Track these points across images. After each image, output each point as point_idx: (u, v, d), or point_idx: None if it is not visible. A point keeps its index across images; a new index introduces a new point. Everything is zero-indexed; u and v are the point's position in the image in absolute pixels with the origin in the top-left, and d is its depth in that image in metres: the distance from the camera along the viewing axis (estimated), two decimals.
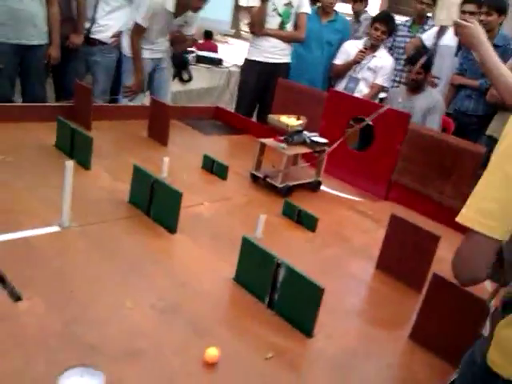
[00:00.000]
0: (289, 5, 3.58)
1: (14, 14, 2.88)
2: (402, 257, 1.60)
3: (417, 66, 3.29)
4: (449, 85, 3.77)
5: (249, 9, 3.66)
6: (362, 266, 1.70)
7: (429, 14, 4.39)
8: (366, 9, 4.86)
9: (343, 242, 1.83)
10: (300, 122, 2.13)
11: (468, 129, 3.61)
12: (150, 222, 1.63)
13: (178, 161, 2.19)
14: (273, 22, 3.60)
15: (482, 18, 3.52)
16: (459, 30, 1.75)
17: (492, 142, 3.06)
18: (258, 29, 3.63)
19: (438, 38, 3.95)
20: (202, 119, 3.03)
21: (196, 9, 3.28)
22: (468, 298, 1.21)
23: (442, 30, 3.99)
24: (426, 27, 4.17)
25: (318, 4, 3.93)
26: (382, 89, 3.72)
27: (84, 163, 1.91)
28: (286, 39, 3.68)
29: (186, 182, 2.01)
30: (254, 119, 3.77)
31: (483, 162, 2.10)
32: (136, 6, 3.31)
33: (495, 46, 3.60)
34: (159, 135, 2.40)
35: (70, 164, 1.44)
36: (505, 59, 3.59)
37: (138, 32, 3.30)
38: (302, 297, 1.24)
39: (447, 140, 2.18)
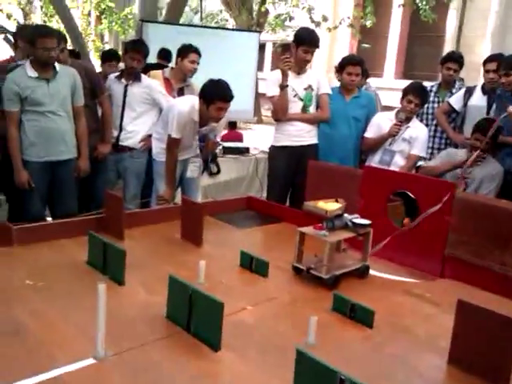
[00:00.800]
0: (309, 88, 3.62)
1: (44, 133, 2.97)
2: (478, 348, 1.40)
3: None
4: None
5: (270, 98, 3.71)
6: (431, 363, 1.49)
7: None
8: (367, 81, 4.94)
9: (405, 335, 1.64)
10: (339, 205, 2.01)
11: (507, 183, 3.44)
12: (191, 339, 1.49)
13: (214, 261, 2.07)
14: (295, 107, 3.63)
15: (503, 80, 3.46)
16: None
17: None
18: (281, 115, 3.66)
19: (467, 100, 3.89)
20: (235, 211, 2.95)
21: (217, 120, 3.30)
22: None
23: (469, 91, 3.94)
24: (454, 90, 4.14)
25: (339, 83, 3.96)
26: (420, 159, 3.63)
27: (117, 279, 1.82)
28: (311, 121, 3.69)
29: (224, 285, 1.89)
30: (287, 205, 3.70)
31: None
32: (165, 113, 3.39)
33: None
34: (193, 236, 2.31)
35: (102, 288, 1.34)
36: None
37: (174, 145, 3.33)
38: None
39: (499, 205, 2.02)
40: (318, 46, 3.64)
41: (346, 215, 2.05)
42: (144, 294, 1.78)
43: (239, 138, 5.71)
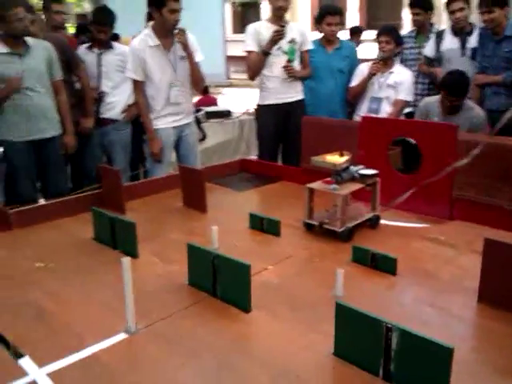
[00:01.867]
0: (292, 42, 3.52)
1: (24, 112, 2.83)
2: (506, 284, 1.41)
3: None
4: (473, 86, 3.63)
5: (247, 52, 3.61)
6: (461, 303, 1.49)
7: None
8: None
9: (430, 280, 1.64)
10: (345, 157, 1.98)
11: (506, 125, 3.44)
12: (219, 304, 1.46)
13: (222, 226, 2.02)
14: (279, 61, 3.53)
15: (485, 17, 3.43)
16: None
17: None
18: (254, 75, 3.60)
19: (439, 44, 3.86)
20: (230, 175, 2.89)
21: (174, 24, 3.09)
22: None
23: (439, 35, 3.91)
24: (431, 35, 4.09)
25: (320, 35, 3.86)
26: (406, 103, 3.60)
27: (131, 252, 1.76)
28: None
29: (239, 248, 1.86)
30: (279, 162, 3.66)
31: None
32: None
33: (508, 37, 3.50)
34: (196, 202, 2.26)
35: (127, 261, 1.29)
36: None
37: (136, 88, 3.17)
38: (426, 362, 1.05)
39: (505, 143, 2.01)
40: None
41: (352, 167, 2.02)
42: (161, 264, 1.74)
43: (214, 103, 5.58)
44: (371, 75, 3.53)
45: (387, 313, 1.40)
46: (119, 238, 1.83)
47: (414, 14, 4.11)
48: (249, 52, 3.58)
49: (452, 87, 3.25)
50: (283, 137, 3.65)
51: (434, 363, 1.04)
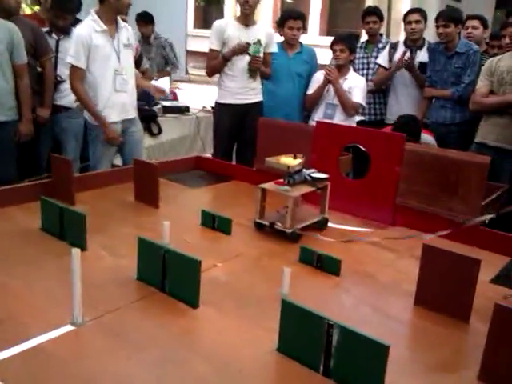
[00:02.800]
0: (258, 43, 3.56)
1: None
2: (443, 288, 1.50)
3: None
4: (423, 99, 3.81)
5: (210, 50, 3.63)
6: (399, 305, 1.58)
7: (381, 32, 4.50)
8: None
9: (371, 282, 1.72)
10: (299, 160, 2.03)
11: (449, 138, 3.64)
12: (168, 299, 1.48)
13: (173, 222, 2.03)
14: (242, 61, 3.57)
15: (441, 30, 3.61)
16: None
17: (484, 148, 3.06)
18: (212, 73, 3.64)
19: (392, 55, 4.03)
20: (184, 171, 2.90)
21: (127, 8, 3.10)
22: None
23: (393, 47, 4.08)
24: (380, 45, 4.26)
25: (282, 38, 3.93)
26: (361, 106, 3.71)
27: (79, 244, 1.74)
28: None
29: (190, 244, 1.88)
30: (233, 161, 3.69)
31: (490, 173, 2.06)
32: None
33: (458, 54, 3.69)
34: (148, 197, 2.26)
35: (76, 252, 1.28)
36: (469, 63, 3.68)
37: (76, 76, 3.04)
38: (364, 358, 1.11)
39: (448, 155, 2.12)
40: None
41: (304, 170, 2.08)
42: (109, 258, 1.73)
43: (174, 98, 5.55)
44: (327, 82, 3.62)
45: (330, 311, 1.46)
46: (68, 230, 1.81)
47: (370, 23, 4.26)
48: (211, 50, 3.59)
49: (404, 131, 3.40)
50: (238, 136, 3.69)
51: (371, 360, 1.10)
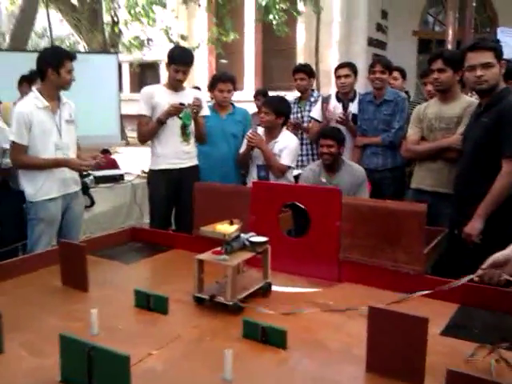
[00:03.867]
0: (188, 108, 3.53)
1: None
2: (393, 351, 1.41)
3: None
4: (354, 147, 3.87)
5: (139, 116, 3.57)
6: (350, 374, 1.47)
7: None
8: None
9: (319, 350, 1.61)
10: (236, 226, 1.94)
11: (383, 183, 3.68)
12: None
13: (105, 306, 1.88)
14: (173, 125, 3.51)
15: (378, 75, 3.73)
16: None
17: (421, 193, 3.08)
18: (144, 140, 3.61)
19: (325, 110, 4.11)
20: (119, 245, 2.74)
21: (69, 84, 3.16)
22: None
23: (325, 100, 4.18)
24: (312, 99, 4.36)
25: (213, 101, 3.94)
26: (288, 168, 3.68)
27: None
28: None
29: (122, 331, 1.71)
30: (172, 228, 3.56)
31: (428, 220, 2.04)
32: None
33: (387, 101, 3.80)
34: (77, 281, 2.08)
35: None
36: (398, 109, 3.79)
37: (19, 151, 3.09)
38: None
39: (385, 206, 2.10)
40: (189, 65, 3.56)
41: (242, 235, 1.99)
42: (30, 359, 1.53)
43: (114, 165, 5.39)
44: (249, 146, 3.59)
45: None
46: None
47: (298, 79, 4.36)
48: (140, 115, 3.54)
49: (326, 131, 3.62)
50: (176, 202, 3.58)
51: None
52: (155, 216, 3.60)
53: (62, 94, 3.27)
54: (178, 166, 3.53)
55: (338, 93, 4.20)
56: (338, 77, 4.13)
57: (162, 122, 3.44)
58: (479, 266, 1.70)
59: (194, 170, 3.60)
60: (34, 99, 3.12)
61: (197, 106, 3.45)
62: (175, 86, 3.56)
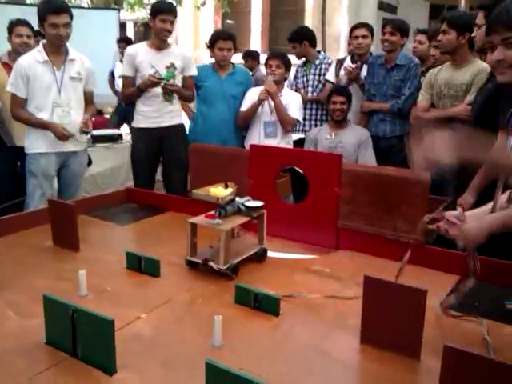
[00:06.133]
0: (171, 67, 3.43)
1: None
2: (389, 323, 1.36)
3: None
4: (359, 113, 3.76)
5: (123, 77, 3.53)
6: (345, 345, 1.43)
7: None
8: (258, 66, 5.03)
9: (314, 319, 1.56)
10: (230, 190, 1.88)
11: (390, 151, 3.58)
12: (81, 365, 1.27)
13: (95, 267, 1.84)
14: (155, 87, 3.42)
15: (387, 37, 3.59)
16: None
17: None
18: (125, 99, 3.57)
19: (339, 70, 3.99)
20: (114, 206, 2.68)
21: (58, 39, 3.05)
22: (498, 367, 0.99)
23: (340, 62, 4.05)
24: (317, 61, 4.23)
25: (213, 60, 3.81)
26: (297, 122, 3.64)
27: None
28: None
29: (111, 293, 1.67)
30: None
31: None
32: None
33: (398, 66, 3.66)
34: (67, 241, 2.03)
35: None
36: (409, 75, 3.66)
37: (17, 104, 3.09)
38: None
39: (387, 173, 2.03)
40: (175, 15, 3.47)
41: (237, 199, 1.92)
42: (16, 319, 1.50)
43: (107, 124, 5.30)
44: (261, 101, 3.51)
45: (269, 361, 1.31)
46: None
47: (292, 47, 4.25)
48: (124, 77, 3.51)
49: (339, 87, 3.69)
50: (158, 162, 3.58)
51: None
52: (137, 176, 3.58)
53: (75, 49, 3.24)
54: (159, 124, 3.47)
55: (353, 54, 4.08)
56: (354, 37, 3.99)
57: (142, 91, 3.42)
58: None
59: (177, 128, 3.54)
60: (36, 52, 3.11)
61: (172, 88, 3.36)
62: (163, 39, 3.46)
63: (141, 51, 3.46)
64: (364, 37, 3.90)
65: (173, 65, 3.41)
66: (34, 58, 3.08)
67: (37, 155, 3.15)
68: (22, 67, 3.06)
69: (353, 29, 4.02)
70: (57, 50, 3.12)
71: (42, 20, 3.02)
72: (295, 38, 4.22)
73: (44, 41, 3.17)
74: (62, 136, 3.09)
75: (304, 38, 4.19)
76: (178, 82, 3.48)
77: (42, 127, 3.10)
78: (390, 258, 1.94)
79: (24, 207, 3.21)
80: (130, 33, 17.89)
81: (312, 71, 4.22)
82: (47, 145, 3.14)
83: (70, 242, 2.00)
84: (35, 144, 3.15)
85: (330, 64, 4.15)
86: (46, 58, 3.08)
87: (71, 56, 3.19)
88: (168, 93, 3.43)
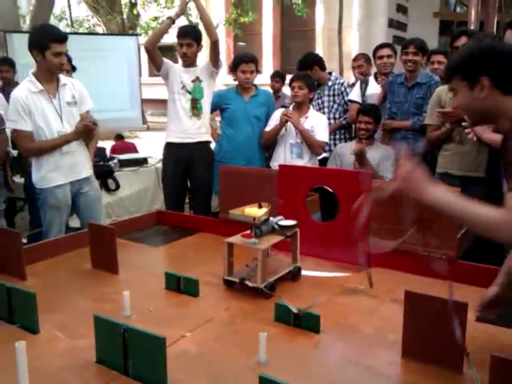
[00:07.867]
0: (196, 80, 3.53)
1: None
2: (430, 337, 1.39)
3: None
4: (381, 131, 3.80)
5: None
6: (386, 359, 1.45)
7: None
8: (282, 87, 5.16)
9: (354, 335, 1.59)
10: (264, 209, 1.93)
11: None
12: (132, 383, 1.32)
13: (135, 288, 1.88)
14: (183, 100, 3.53)
15: (410, 57, 3.65)
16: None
17: (448, 177, 3.02)
18: (151, 44, 3.61)
19: (364, 90, 4.06)
20: (145, 229, 2.75)
21: (59, 67, 2.97)
22: None
23: (364, 82, 4.13)
24: (330, 83, 4.32)
25: (236, 83, 3.91)
26: (325, 144, 3.70)
27: (30, 327, 1.57)
28: None
29: (154, 313, 1.72)
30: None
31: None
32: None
33: (419, 84, 3.71)
34: (106, 263, 2.09)
35: (21, 346, 1.12)
36: (431, 93, 3.70)
37: (24, 140, 2.96)
38: None
39: None
40: (188, 35, 3.58)
41: (271, 219, 1.97)
42: (65, 340, 1.55)
43: (132, 149, 5.42)
44: (284, 123, 3.58)
45: (313, 376, 1.34)
46: (16, 311, 1.63)
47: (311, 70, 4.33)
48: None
49: (366, 108, 3.68)
50: (187, 179, 3.67)
51: None
52: (167, 193, 3.66)
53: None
54: (187, 140, 3.55)
55: (376, 74, 4.18)
56: (379, 57, 4.09)
57: (173, 20, 3.63)
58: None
59: (204, 147, 3.63)
60: (28, 83, 2.97)
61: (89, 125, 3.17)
62: (184, 60, 3.63)
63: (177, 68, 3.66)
64: (389, 56, 4.01)
65: (198, 78, 3.59)
66: (29, 89, 2.94)
67: (53, 189, 3.05)
68: (20, 100, 2.90)
69: (377, 49, 4.12)
70: (50, 78, 2.99)
71: (42, 48, 2.87)
72: (304, 65, 4.29)
73: (33, 70, 3.01)
74: (88, 127, 3.02)
75: (313, 64, 4.28)
76: (206, 94, 3.61)
77: (61, 144, 3.00)
78: (422, 274, 1.97)
79: (42, 238, 3.06)
80: (144, 57, 18.20)
81: (326, 93, 4.31)
82: (61, 176, 3.07)
83: (110, 265, 2.06)
84: (49, 177, 3.04)
85: (342, 84, 4.24)
86: (41, 87, 2.95)
87: (62, 81, 3.07)
88: (197, 107, 3.54)
